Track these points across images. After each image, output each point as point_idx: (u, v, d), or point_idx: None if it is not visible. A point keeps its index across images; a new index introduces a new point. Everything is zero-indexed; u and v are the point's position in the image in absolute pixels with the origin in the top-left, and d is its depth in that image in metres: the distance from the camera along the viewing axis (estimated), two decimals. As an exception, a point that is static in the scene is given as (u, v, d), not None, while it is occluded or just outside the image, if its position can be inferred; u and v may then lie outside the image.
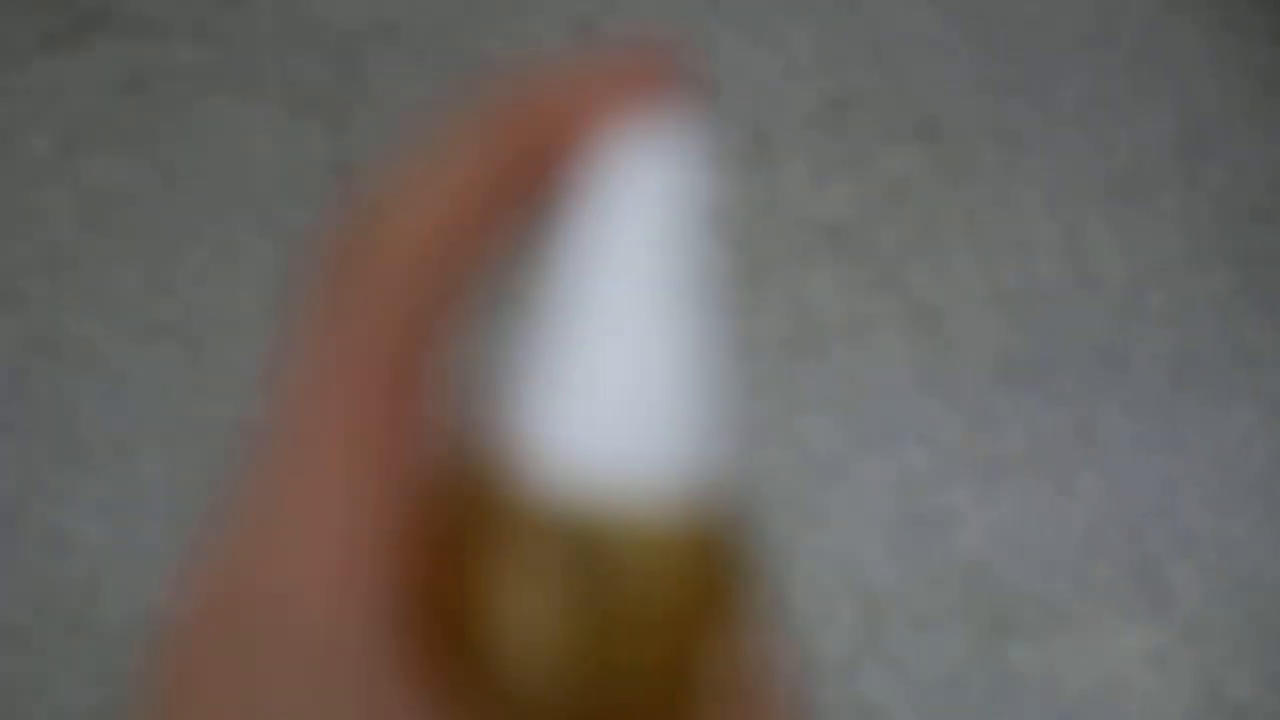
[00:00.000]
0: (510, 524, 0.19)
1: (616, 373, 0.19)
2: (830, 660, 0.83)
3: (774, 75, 0.90)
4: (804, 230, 0.90)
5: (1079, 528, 0.90)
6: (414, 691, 0.17)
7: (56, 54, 0.87)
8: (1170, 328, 0.92)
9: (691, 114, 0.20)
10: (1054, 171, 0.93)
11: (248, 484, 0.18)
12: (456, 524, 0.19)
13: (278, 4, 0.89)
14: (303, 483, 0.18)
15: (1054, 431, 0.91)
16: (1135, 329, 0.91)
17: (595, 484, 0.19)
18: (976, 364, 0.91)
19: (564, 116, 0.19)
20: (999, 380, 0.91)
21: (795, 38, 0.92)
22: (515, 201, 0.19)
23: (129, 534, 0.81)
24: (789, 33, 0.91)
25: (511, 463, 0.19)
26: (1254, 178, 0.95)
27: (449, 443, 0.21)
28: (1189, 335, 0.92)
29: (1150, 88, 0.96)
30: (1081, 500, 0.91)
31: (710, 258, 0.18)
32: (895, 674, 0.84)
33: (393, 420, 0.18)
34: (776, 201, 0.90)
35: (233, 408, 0.83)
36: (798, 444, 0.87)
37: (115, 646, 0.79)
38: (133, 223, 0.86)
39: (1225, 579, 0.88)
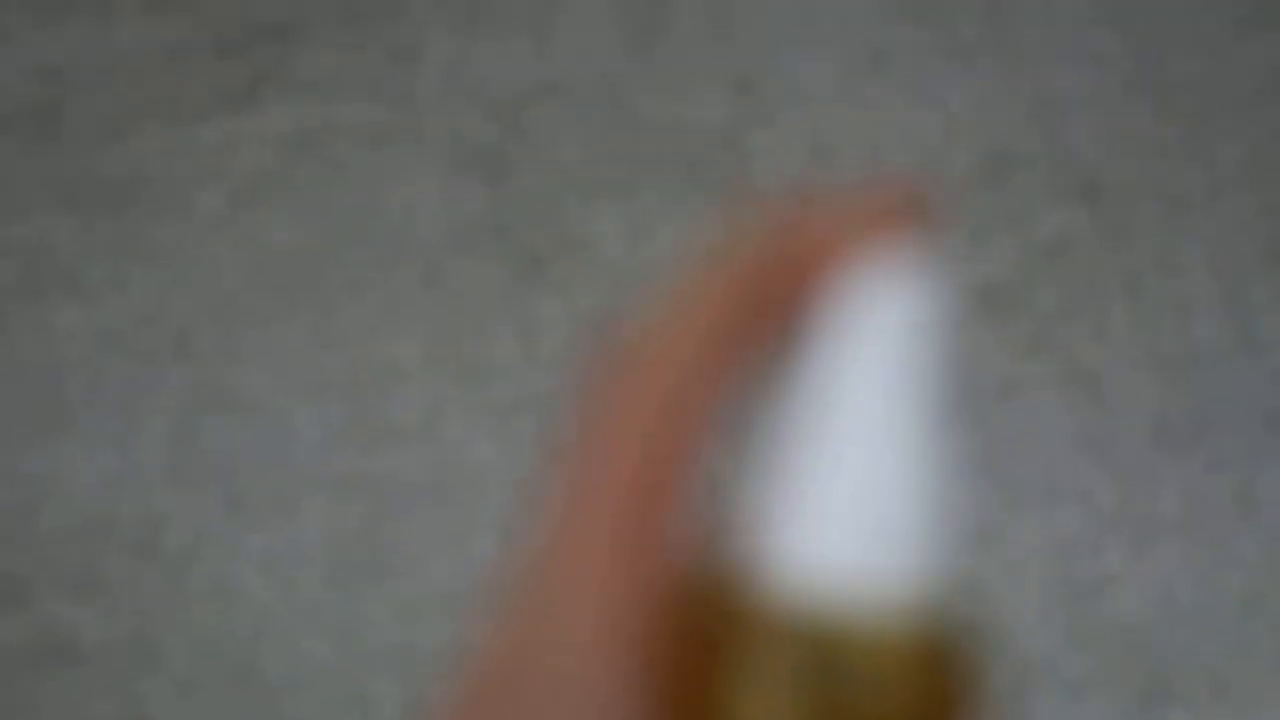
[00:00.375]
0: (750, 633, 0.20)
1: (851, 489, 0.20)
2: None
3: (934, 134, 0.90)
4: (961, 289, 0.89)
5: (1237, 593, 0.89)
6: None
7: (231, 112, 0.89)
8: (1335, 393, 0.90)
9: (927, 252, 0.21)
10: (1216, 232, 0.92)
11: (514, 583, 0.20)
12: (700, 632, 0.20)
13: (443, 63, 0.91)
14: (560, 585, 0.20)
15: (1212, 495, 0.90)
16: (1298, 393, 0.90)
17: (832, 595, 0.20)
18: (1134, 426, 0.89)
19: (811, 253, 0.21)
20: (1157, 443, 0.90)
21: (955, 97, 0.92)
22: (762, 334, 0.21)
23: (290, 587, 0.83)
24: (949, 92, 0.91)
25: (753, 574, 0.20)
26: None
27: (696, 554, 0.23)
28: (1354, 400, 0.90)
29: (1313, 147, 0.94)
30: (1240, 565, 0.89)
31: (941, 384, 0.19)
32: (1053, 743, 0.83)
33: (643, 532, 0.20)
34: (935, 260, 0.90)
35: (396, 462, 0.84)
36: (953, 505, 0.86)
37: (275, 699, 0.81)
38: (300, 277, 0.87)
39: (1395, 652, 0.86)
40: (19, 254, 0.89)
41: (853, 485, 0.21)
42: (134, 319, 0.87)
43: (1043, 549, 0.87)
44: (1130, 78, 0.95)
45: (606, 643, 0.20)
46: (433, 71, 0.92)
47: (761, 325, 0.21)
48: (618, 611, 0.20)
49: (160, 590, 0.82)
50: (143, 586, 0.82)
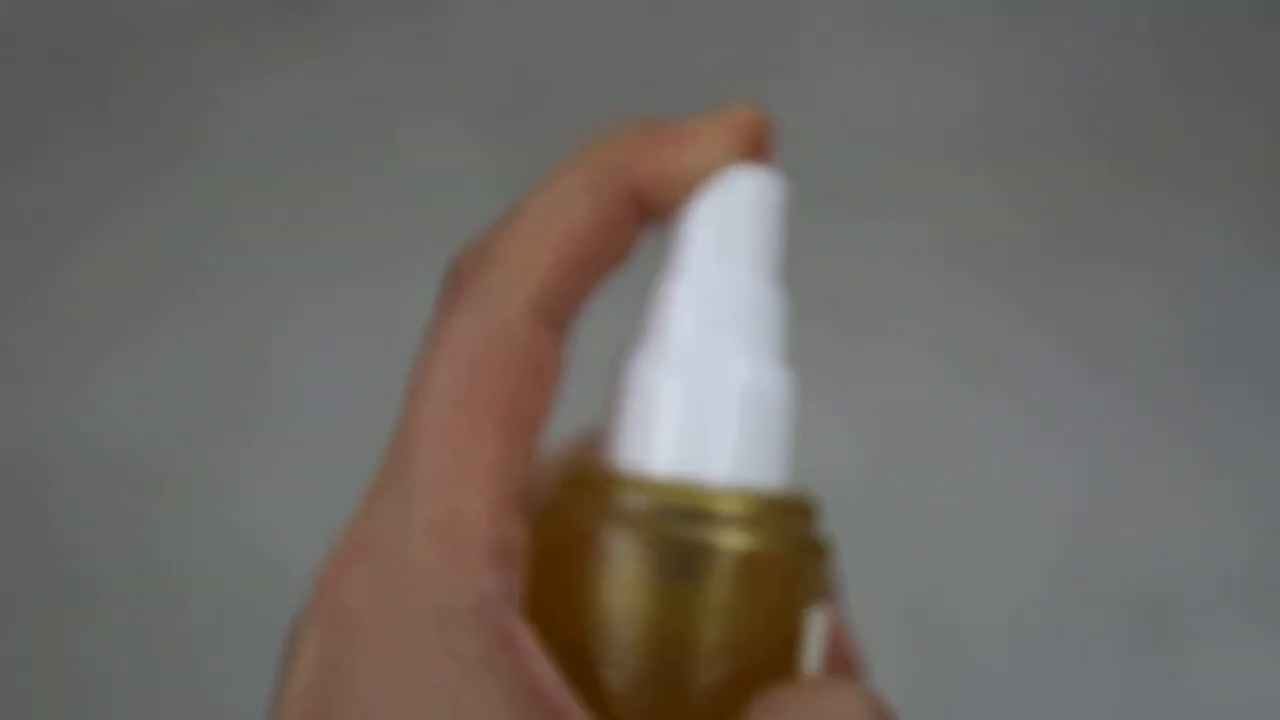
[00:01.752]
0: (611, 527, 0.21)
1: (698, 396, 0.22)
2: None
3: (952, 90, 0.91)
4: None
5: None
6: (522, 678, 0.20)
7: (259, 69, 0.90)
8: None
9: (762, 160, 0.24)
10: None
11: (385, 462, 0.21)
12: (562, 534, 0.22)
13: (474, 20, 0.92)
14: (428, 491, 0.20)
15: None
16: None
17: (682, 490, 0.21)
18: (1150, 363, 0.89)
19: (659, 149, 0.22)
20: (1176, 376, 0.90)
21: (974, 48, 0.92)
22: (620, 228, 0.22)
23: (314, 532, 0.84)
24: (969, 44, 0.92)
25: (609, 480, 0.22)
26: None
27: (556, 464, 0.24)
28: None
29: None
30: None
31: (774, 259, 0.20)
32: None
33: (507, 442, 0.21)
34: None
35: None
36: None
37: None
38: (329, 234, 0.89)
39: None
40: (55, 199, 0.90)
41: (698, 391, 0.22)
42: (161, 266, 0.88)
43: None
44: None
45: (474, 548, 0.20)
46: (464, 27, 0.93)
47: (619, 219, 0.22)
48: (487, 520, 0.20)
49: (180, 532, 0.83)
50: (162, 528, 0.83)
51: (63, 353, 0.86)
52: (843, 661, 0.24)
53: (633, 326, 0.28)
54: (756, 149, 0.23)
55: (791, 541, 0.22)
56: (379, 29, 0.93)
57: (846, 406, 0.86)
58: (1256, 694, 0.83)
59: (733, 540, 0.21)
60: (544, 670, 0.20)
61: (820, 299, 0.89)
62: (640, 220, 0.23)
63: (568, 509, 0.22)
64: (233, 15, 0.94)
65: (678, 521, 0.21)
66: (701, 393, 0.22)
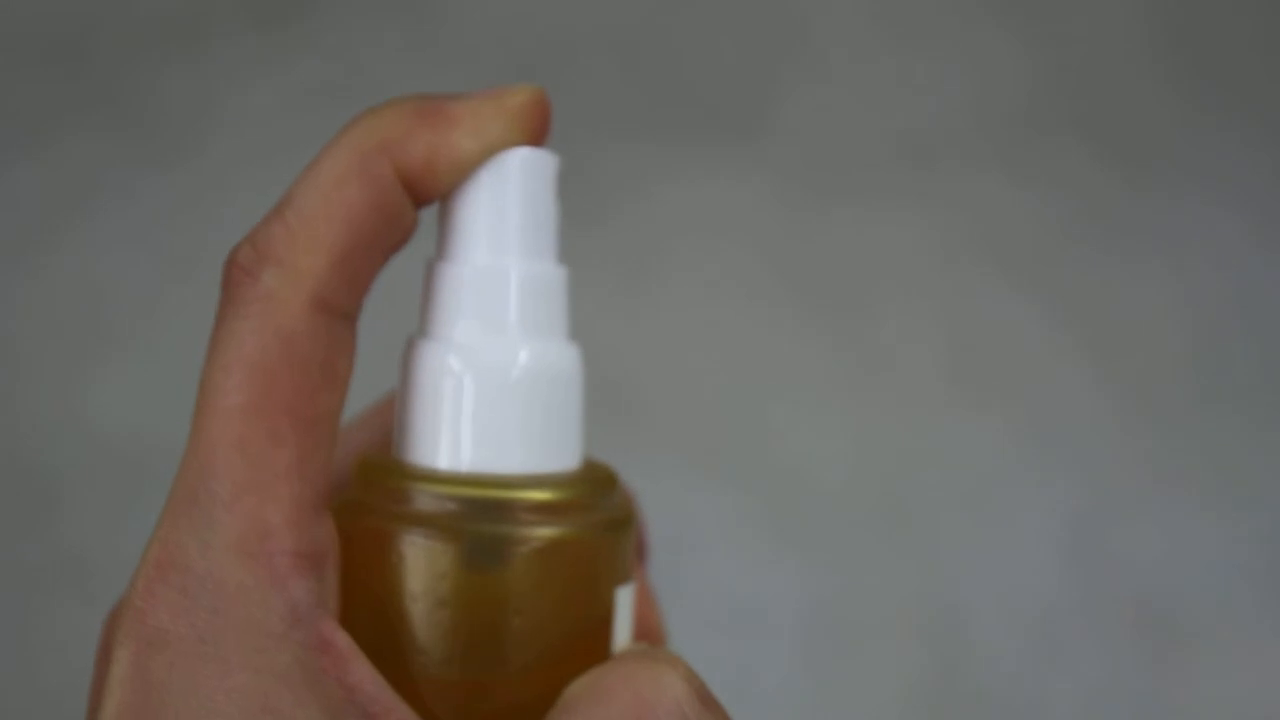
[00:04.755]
0: (413, 524, 0.21)
1: (487, 389, 0.22)
2: None
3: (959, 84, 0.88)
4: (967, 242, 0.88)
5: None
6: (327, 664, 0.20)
7: (259, 40, 0.91)
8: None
9: (537, 136, 0.23)
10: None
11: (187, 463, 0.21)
12: (366, 532, 0.21)
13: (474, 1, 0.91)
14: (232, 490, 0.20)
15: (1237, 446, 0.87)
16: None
17: (478, 482, 0.21)
18: (1153, 370, 0.88)
19: (436, 121, 0.22)
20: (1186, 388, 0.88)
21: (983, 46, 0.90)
22: (398, 214, 0.21)
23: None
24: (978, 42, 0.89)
25: (407, 474, 0.22)
26: None
27: (352, 458, 0.24)
28: None
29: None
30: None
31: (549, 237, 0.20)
32: None
33: (304, 444, 0.20)
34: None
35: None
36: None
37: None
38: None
39: None
40: (49, 175, 0.92)
41: (487, 384, 0.22)
42: (166, 260, 0.90)
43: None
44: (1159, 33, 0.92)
45: (280, 549, 0.20)
46: (465, 28, 0.93)
47: (393, 204, 0.21)
48: (289, 518, 0.20)
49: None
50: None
51: (66, 346, 0.88)
52: (647, 625, 0.25)
53: (414, 311, 0.28)
54: (533, 130, 0.23)
55: (592, 522, 0.22)
56: (379, 30, 0.94)
57: (847, 411, 0.85)
58: (1263, 705, 0.82)
59: (533, 530, 0.21)
60: (363, 673, 0.20)
61: (819, 298, 0.88)
62: (414, 204, 0.22)
63: (369, 505, 0.22)
64: (233, 15, 0.94)
65: (476, 515, 0.21)
66: (486, 381, 0.22)
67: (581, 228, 0.88)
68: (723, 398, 0.86)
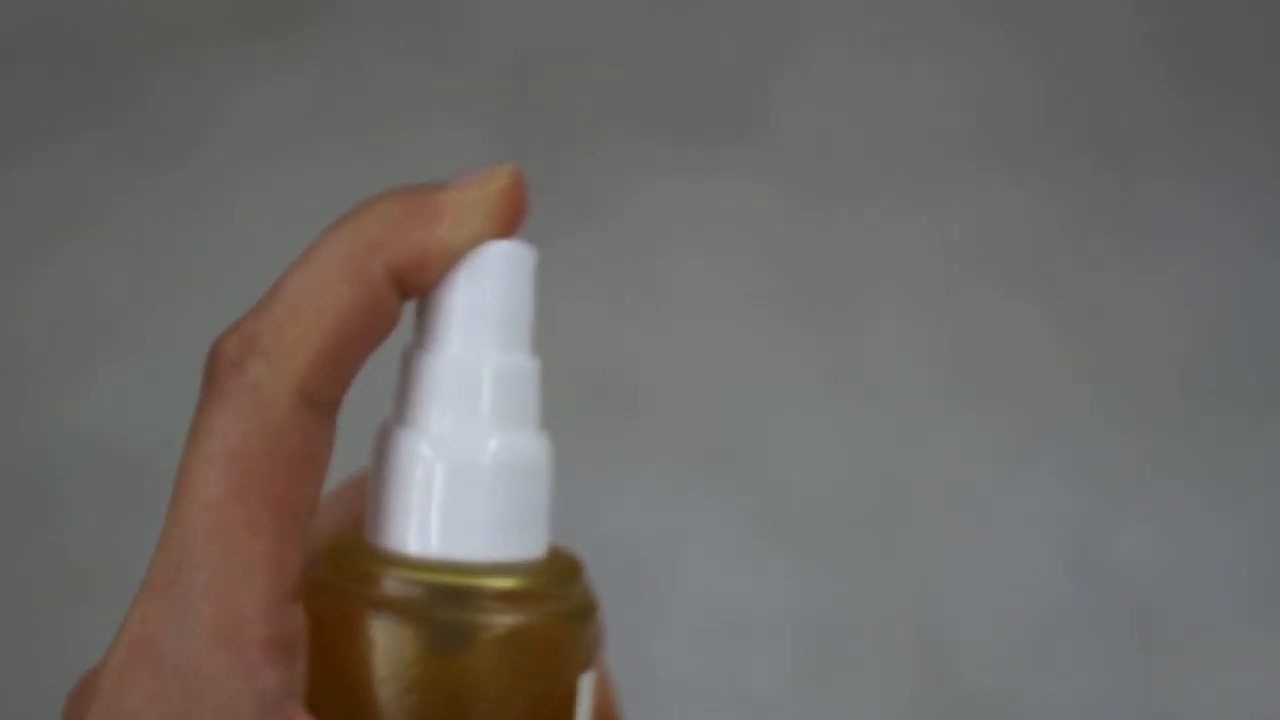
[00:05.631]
0: (379, 610, 0.22)
1: (459, 479, 0.22)
2: None
3: (948, 94, 0.89)
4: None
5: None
6: None
7: (261, 46, 0.90)
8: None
9: (514, 225, 0.24)
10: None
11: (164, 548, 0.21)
12: (334, 616, 0.22)
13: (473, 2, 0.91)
14: (208, 575, 0.20)
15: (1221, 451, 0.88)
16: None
17: (444, 570, 0.22)
18: (1148, 372, 0.88)
19: (421, 215, 0.22)
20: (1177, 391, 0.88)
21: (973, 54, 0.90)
22: (384, 311, 0.22)
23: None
24: (968, 49, 0.90)
25: (375, 559, 0.22)
26: None
27: (320, 539, 0.25)
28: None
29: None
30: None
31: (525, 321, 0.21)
32: None
33: (281, 535, 0.21)
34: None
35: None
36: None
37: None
38: (329, 217, 0.89)
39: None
40: (48, 178, 0.91)
41: (457, 476, 0.22)
42: (168, 263, 0.89)
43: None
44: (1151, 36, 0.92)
45: (248, 628, 0.20)
46: (470, 30, 0.93)
47: (380, 302, 0.22)
48: (260, 601, 0.21)
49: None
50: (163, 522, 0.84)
51: (68, 349, 0.88)
52: (605, 711, 0.25)
53: (389, 398, 0.28)
54: (513, 215, 0.23)
55: (557, 611, 0.22)
56: (386, 32, 0.93)
57: (843, 413, 0.85)
58: (1253, 705, 0.82)
59: (498, 618, 0.22)
60: None
61: (817, 299, 0.88)
62: (401, 299, 0.23)
63: (338, 589, 0.22)
64: (237, 19, 0.94)
65: (443, 602, 0.22)
66: (457, 470, 0.22)
67: (578, 227, 0.88)
68: (718, 399, 0.86)
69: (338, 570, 0.23)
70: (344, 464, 0.83)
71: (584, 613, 0.23)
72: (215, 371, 0.21)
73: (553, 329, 0.86)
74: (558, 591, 0.23)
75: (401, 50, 0.93)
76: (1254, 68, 0.92)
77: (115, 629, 0.83)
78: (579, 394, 0.85)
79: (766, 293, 0.88)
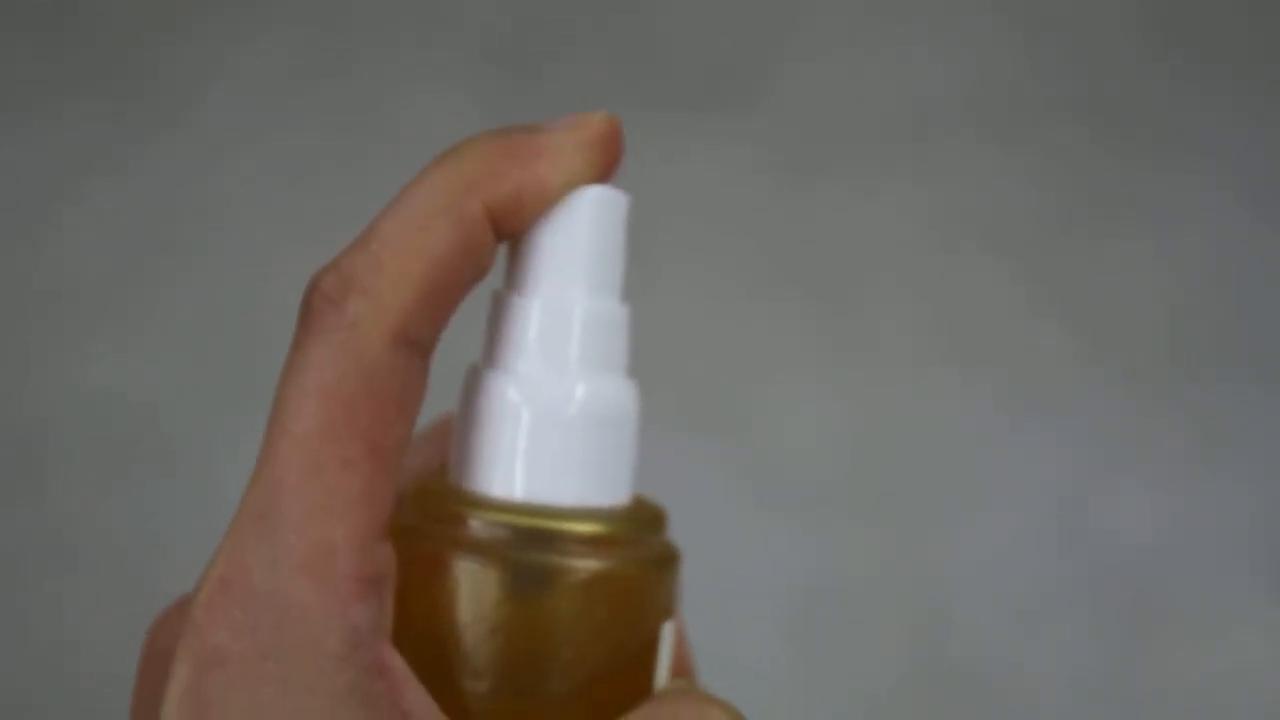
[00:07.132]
0: (467, 552, 0.22)
1: (546, 424, 0.22)
2: None
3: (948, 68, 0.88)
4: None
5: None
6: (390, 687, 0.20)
7: (245, 5, 0.89)
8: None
9: (610, 169, 0.23)
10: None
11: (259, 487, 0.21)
12: (422, 557, 0.22)
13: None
14: (297, 516, 0.20)
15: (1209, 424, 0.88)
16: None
17: (532, 513, 0.22)
18: (1139, 353, 0.88)
19: (520, 158, 0.22)
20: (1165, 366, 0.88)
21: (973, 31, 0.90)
22: (481, 251, 0.22)
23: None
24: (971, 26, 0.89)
25: (463, 501, 0.22)
26: None
27: (406, 481, 0.25)
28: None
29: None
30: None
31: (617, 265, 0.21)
32: None
33: (373, 472, 0.21)
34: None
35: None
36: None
37: None
38: (320, 176, 0.88)
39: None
40: (42, 146, 0.90)
41: (546, 418, 0.22)
42: (161, 231, 0.89)
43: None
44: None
45: (341, 570, 0.20)
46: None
47: (478, 242, 0.22)
48: (352, 544, 0.20)
49: (180, 496, 0.84)
50: (162, 492, 0.84)
51: (62, 319, 0.87)
52: (680, 662, 0.25)
53: (479, 339, 0.28)
54: (610, 160, 0.23)
55: (640, 558, 0.22)
56: (369, 5, 0.93)
57: (834, 387, 0.85)
58: (1249, 677, 0.83)
59: (582, 562, 0.22)
60: (417, 697, 0.20)
61: (809, 272, 0.88)
62: (497, 239, 0.23)
63: (424, 530, 0.22)
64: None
65: (527, 545, 0.22)
66: (544, 415, 0.22)
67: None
68: (710, 368, 0.86)
69: (423, 511, 0.23)
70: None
71: (666, 561, 0.23)
72: (312, 308, 0.21)
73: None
74: (641, 538, 0.23)
75: (393, 20, 0.92)
76: (1245, 39, 0.92)
77: (104, 593, 0.83)
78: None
79: (760, 262, 0.88)
